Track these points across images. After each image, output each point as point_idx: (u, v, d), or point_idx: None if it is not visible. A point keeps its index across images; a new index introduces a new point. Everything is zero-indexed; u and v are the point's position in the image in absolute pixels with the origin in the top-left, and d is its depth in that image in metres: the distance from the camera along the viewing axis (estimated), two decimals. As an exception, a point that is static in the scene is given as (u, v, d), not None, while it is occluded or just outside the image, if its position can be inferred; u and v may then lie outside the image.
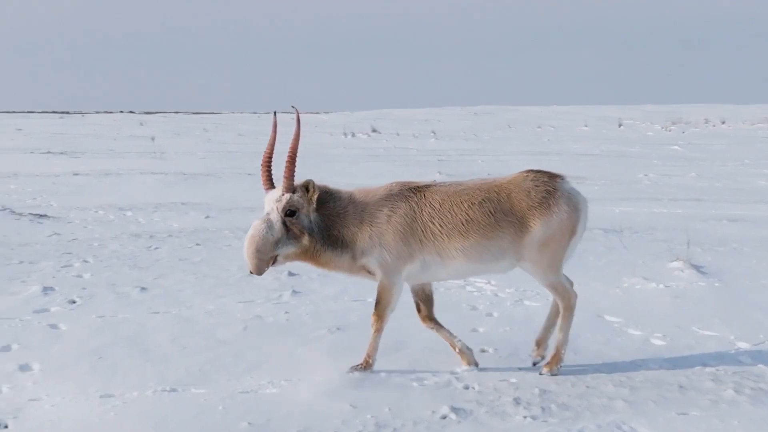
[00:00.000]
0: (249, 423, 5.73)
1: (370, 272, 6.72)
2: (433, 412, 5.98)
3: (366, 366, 6.75)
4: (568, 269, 7.09)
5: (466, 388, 6.45)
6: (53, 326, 7.95)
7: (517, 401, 6.21)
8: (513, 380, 6.64)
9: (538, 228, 6.66)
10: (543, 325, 7.16)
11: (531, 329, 7.88)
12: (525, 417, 5.95)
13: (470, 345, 7.06)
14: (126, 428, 5.66)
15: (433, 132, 50.88)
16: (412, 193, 6.74)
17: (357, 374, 6.64)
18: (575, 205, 6.80)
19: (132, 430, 5.63)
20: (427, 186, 6.82)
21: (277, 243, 6.39)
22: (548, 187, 6.76)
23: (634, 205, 17.52)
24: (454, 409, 6.00)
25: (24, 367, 6.84)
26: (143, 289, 9.37)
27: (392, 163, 27.74)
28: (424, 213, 6.65)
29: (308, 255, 6.59)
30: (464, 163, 28.05)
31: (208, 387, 6.40)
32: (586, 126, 59.71)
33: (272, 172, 6.60)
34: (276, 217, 6.40)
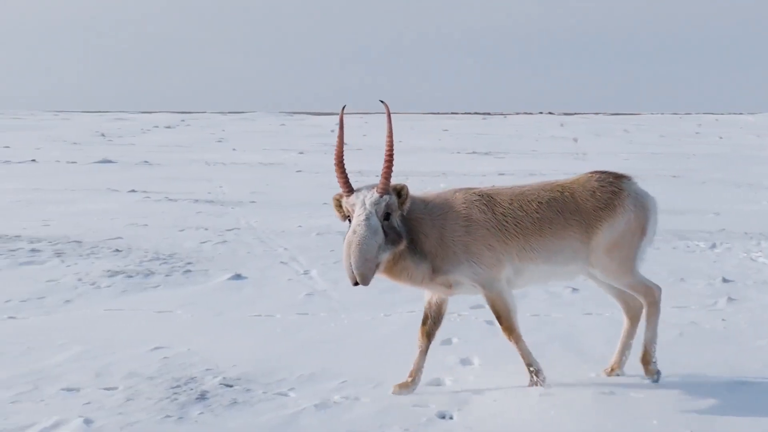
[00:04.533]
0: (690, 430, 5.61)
1: (448, 287, 6.36)
2: None
3: (537, 377, 6.39)
4: None
5: None
6: (489, 322, 8.19)
7: None
8: None
9: (604, 229, 6.33)
10: (620, 342, 6.76)
11: None
12: None
13: None
14: (565, 427, 5.72)
15: None
16: (479, 197, 6.40)
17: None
18: (643, 206, 6.47)
19: (571, 430, 5.69)
20: (489, 189, 6.54)
21: (379, 248, 5.94)
22: (614, 188, 6.45)
23: None
24: None
25: (465, 361, 7.13)
26: (575, 289, 9.44)
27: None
28: (497, 214, 6.32)
29: (390, 262, 6.18)
30: None
31: (647, 391, 6.33)
32: None
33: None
34: (376, 222, 5.95)
